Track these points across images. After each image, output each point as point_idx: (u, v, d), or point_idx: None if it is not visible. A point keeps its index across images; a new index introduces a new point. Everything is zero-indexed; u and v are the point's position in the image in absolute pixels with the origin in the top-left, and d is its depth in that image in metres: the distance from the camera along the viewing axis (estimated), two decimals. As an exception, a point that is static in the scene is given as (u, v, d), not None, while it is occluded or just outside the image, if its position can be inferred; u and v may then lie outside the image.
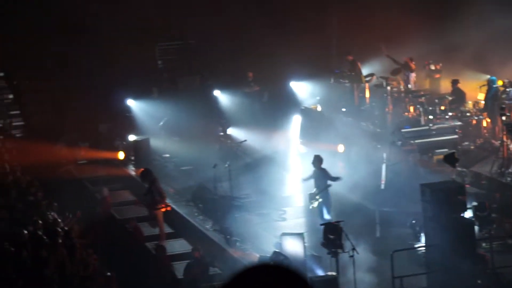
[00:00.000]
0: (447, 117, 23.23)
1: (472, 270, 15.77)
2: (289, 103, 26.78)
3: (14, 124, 28.29)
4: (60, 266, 16.25)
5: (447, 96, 23.83)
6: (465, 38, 26.23)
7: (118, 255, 18.17)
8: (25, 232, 16.99)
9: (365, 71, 26.29)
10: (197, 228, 20.52)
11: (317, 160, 19.29)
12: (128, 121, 27.44)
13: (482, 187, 20.56)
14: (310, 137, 23.57)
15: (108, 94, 27.84)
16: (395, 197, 19.66)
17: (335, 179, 19.05)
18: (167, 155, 25.88)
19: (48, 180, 22.13)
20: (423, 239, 17.24)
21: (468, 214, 17.03)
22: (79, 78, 28.64)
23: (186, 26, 30.83)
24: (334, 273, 15.74)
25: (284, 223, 20.44)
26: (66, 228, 18.60)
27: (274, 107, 27.41)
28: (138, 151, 25.15)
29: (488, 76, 23.86)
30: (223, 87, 28.96)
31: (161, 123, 26.38)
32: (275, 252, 17.15)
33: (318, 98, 26.65)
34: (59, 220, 19.42)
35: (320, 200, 18.98)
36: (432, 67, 26.66)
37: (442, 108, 23.48)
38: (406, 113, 24.06)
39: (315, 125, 23.82)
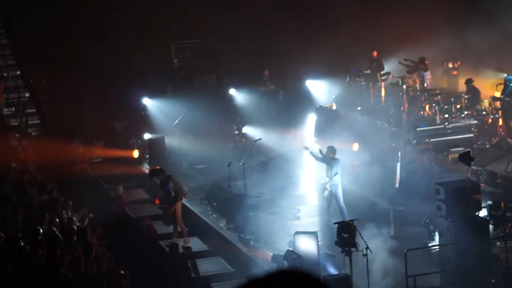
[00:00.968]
0: (462, 115, 23.10)
1: (486, 269, 15.71)
2: (305, 101, 26.75)
3: (30, 122, 28.40)
4: (75, 264, 16.31)
5: (463, 95, 23.70)
6: (482, 37, 26.13)
7: (132, 254, 18.21)
8: (41, 230, 17.06)
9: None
10: (211, 226, 20.54)
11: (331, 150, 19.77)
12: (143, 120, 27.49)
13: (497, 186, 20.45)
14: (325, 136, 23.51)
15: (124, 93, 27.91)
16: (409, 195, 19.59)
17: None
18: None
19: (63, 179, 22.22)
20: (437, 238, 17.16)
21: (483, 213, 16.96)
22: (95, 77, 28.72)
23: (203, 25, 30.85)
24: (347, 272, 15.70)
25: (298, 222, 20.43)
26: (81, 227, 18.69)
27: (289, 105, 27.40)
28: (153, 150, 25.19)
29: (505, 75, 23.70)
30: (238, 86, 28.97)
31: (176, 121, 26.41)
32: (288, 251, 17.14)
33: (333, 96, 26.60)
34: (74, 219, 19.50)
35: (330, 188, 19.27)
36: (450, 65, 26.55)
37: (458, 106, 23.36)
38: (422, 112, 23.97)
39: (330, 123, 23.76)
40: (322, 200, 20.53)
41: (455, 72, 26.47)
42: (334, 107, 25.54)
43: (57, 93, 29.55)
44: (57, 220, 18.47)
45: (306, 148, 21.09)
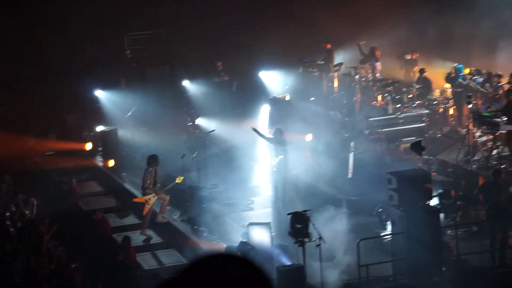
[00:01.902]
0: (414, 105, 23.29)
1: (437, 257, 15.90)
2: (258, 92, 26.75)
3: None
4: (26, 258, 16.13)
5: (414, 85, 23.89)
6: (435, 26, 26.39)
7: (85, 247, 18.06)
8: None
9: (337, 60, 26.36)
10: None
11: (279, 132, 20.64)
12: (96, 112, 27.25)
13: (448, 175, 20.69)
14: (279, 127, 23.54)
15: (76, 85, 27.62)
16: (362, 185, 19.74)
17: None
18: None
19: (14, 172, 21.96)
20: (389, 227, 17.31)
21: (434, 201, 17.16)
22: (46, 68, 28.36)
23: (155, 16, 30.63)
24: (300, 263, 15.76)
25: (251, 213, 20.47)
26: (32, 219, 18.49)
27: (243, 96, 27.39)
28: (106, 142, 24.98)
29: (455, 64, 23.92)
30: (192, 77, 28.85)
31: (129, 113, 26.22)
32: (242, 242, 17.16)
33: (287, 87, 26.62)
34: (27, 212, 19.29)
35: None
36: (408, 57, 26.64)
37: (410, 96, 23.54)
38: (374, 102, 24.10)
39: (283, 114, 23.80)
40: (275, 191, 20.63)
41: (415, 68, 26.31)
42: (287, 98, 25.57)
43: (8, 85, 29.10)
44: (8, 214, 18.25)
45: (254, 130, 21.20)
